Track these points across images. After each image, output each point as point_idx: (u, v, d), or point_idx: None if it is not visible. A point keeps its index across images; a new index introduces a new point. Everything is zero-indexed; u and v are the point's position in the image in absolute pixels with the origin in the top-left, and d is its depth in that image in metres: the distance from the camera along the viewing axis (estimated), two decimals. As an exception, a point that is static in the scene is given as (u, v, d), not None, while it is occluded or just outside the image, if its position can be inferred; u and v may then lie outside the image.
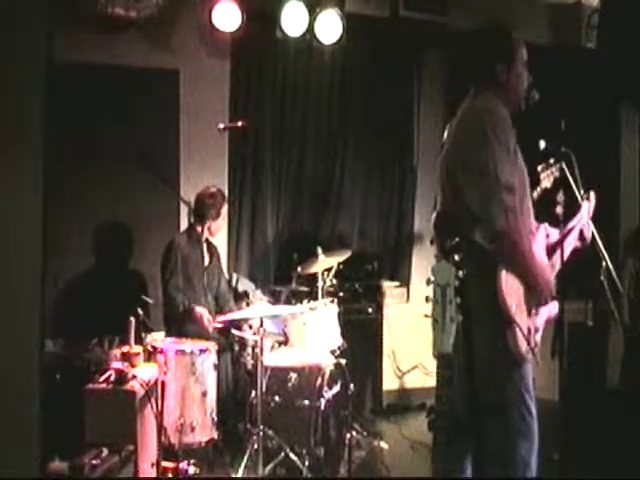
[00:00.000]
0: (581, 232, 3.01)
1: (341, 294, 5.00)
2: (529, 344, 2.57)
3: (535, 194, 3.02)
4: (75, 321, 4.60)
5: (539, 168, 3.05)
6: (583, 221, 3.02)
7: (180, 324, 4.36)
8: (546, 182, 3.05)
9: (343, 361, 4.32)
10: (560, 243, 2.88)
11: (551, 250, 2.88)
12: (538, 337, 2.72)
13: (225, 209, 4.66)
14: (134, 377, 3.31)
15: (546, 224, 2.87)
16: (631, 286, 5.62)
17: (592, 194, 3.09)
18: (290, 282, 4.99)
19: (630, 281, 5.65)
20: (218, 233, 4.79)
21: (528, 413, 2.60)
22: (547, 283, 2.65)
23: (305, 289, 4.90)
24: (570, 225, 2.97)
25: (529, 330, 2.60)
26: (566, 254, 2.89)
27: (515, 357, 2.52)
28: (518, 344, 2.51)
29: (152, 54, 5.02)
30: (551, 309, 2.79)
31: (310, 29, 5.14)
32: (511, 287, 2.53)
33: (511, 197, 2.49)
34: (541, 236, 2.82)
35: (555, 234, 2.93)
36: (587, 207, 3.07)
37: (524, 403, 2.59)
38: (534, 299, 2.67)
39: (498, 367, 2.52)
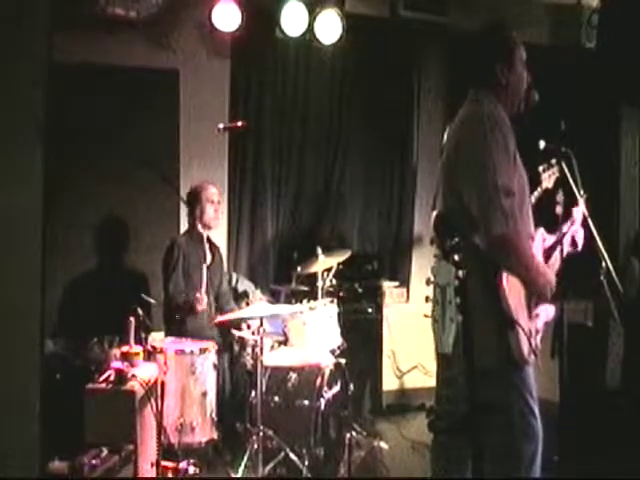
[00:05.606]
0: (573, 238, 3.00)
1: (341, 294, 5.01)
2: (531, 346, 2.55)
3: (536, 194, 3.02)
4: (75, 321, 4.61)
5: (540, 168, 3.04)
6: (575, 227, 3.01)
7: (180, 324, 4.36)
8: (547, 182, 3.04)
9: (343, 361, 4.32)
10: (554, 248, 2.88)
11: (546, 255, 2.87)
12: (538, 339, 2.71)
13: (214, 193, 4.59)
14: (134, 377, 3.32)
15: (542, 229, 2.86)
16: (633, 285, 5.60)
17: (581, 200, 3.07)
18: (290, 282, 5.00)
19: (634, 280, 5.63)
20: (217, 225, 4.71)
21: (532, 415, 2.57)
22: (548, 284, 2.65)
23: (305, 289, 4.90)
24: (563, 230, 2.96)
25: (530, 332, 2.59)
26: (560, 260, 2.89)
27: (517, 359, 2.50)
28: (521, 346, 2.49)
29: (152, 54, 5.03)
30: (549, 312, 2.78)
31: (310, 29, 5.13)
32: (512, 289, 2.52)
33: (509, 201, 2.47)
34: (538, 240, 2.82)
35: (550, 239, 2.92)
36: (578, 213, 3.05)
37: (527, 405, 2.57)
38: (535, 300, 2.66)
39: (500, 370, 2.50)
